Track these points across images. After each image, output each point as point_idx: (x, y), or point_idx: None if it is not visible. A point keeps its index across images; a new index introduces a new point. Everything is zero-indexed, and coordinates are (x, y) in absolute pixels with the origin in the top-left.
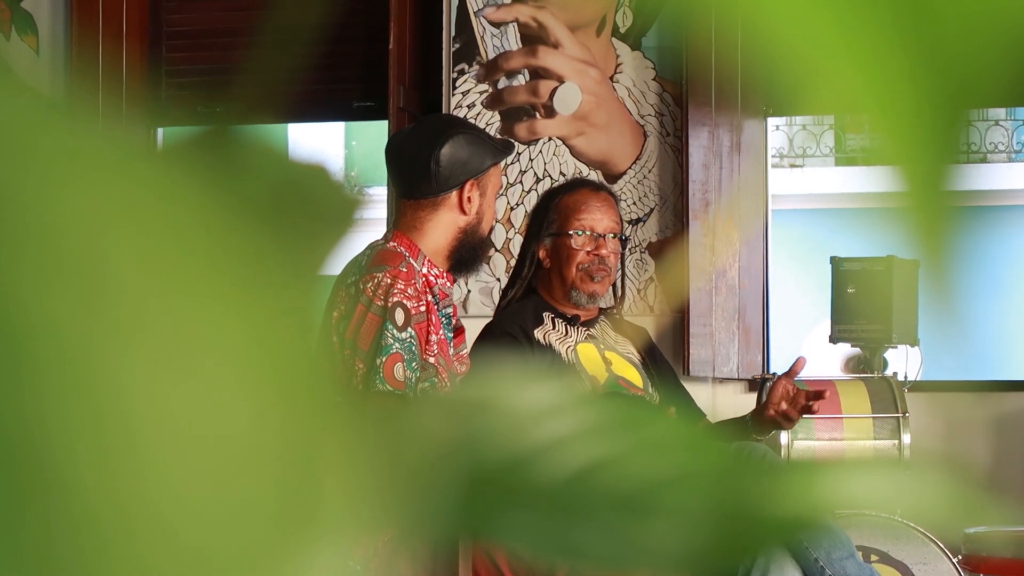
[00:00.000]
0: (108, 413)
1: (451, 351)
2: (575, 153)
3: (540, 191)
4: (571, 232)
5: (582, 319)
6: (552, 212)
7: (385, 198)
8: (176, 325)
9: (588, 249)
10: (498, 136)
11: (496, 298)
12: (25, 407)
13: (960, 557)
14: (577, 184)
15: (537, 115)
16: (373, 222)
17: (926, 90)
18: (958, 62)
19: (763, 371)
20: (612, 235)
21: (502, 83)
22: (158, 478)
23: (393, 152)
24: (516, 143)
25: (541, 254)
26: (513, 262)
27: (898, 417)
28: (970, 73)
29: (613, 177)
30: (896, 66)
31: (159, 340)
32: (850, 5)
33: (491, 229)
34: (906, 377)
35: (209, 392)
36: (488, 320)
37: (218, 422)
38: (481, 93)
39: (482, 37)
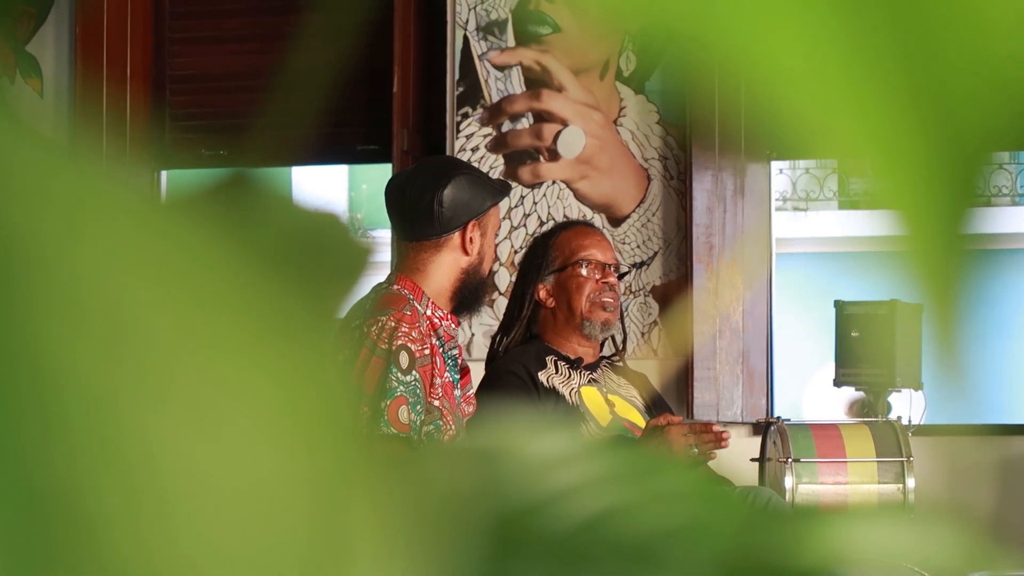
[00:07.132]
0: (135, 466)
1: (457, 393)
2: (579, 196)
3: None
4: (578, 262)
5: (584, 363)
6: (552, 251)
7: (390, 241)
8: (198, 375)
9: (597, 277)
10: (500, 178)
11: None
12: (54, 461)
13: None
14: (570, 223)
15: (541, 158)
16: (378, 265)
17: (930, 134)
18: (963, 106)
19: (767, 415)
20: (613, 267)
21: (506, 126)
22: (187, 531)
23: (394, 195)
24: (520, 186)
25: (542, 294)
26: None
27: (902, 461)
28: (975, 117)
29: (617, 220)
30: (900, 110)
31: (183, 391)
32: (854, 49)
33: (492, 270)
34: (910, 421)
35: (234, 444)
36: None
37: (245, 475)
38: (485, 136)
39: (486, 81)
